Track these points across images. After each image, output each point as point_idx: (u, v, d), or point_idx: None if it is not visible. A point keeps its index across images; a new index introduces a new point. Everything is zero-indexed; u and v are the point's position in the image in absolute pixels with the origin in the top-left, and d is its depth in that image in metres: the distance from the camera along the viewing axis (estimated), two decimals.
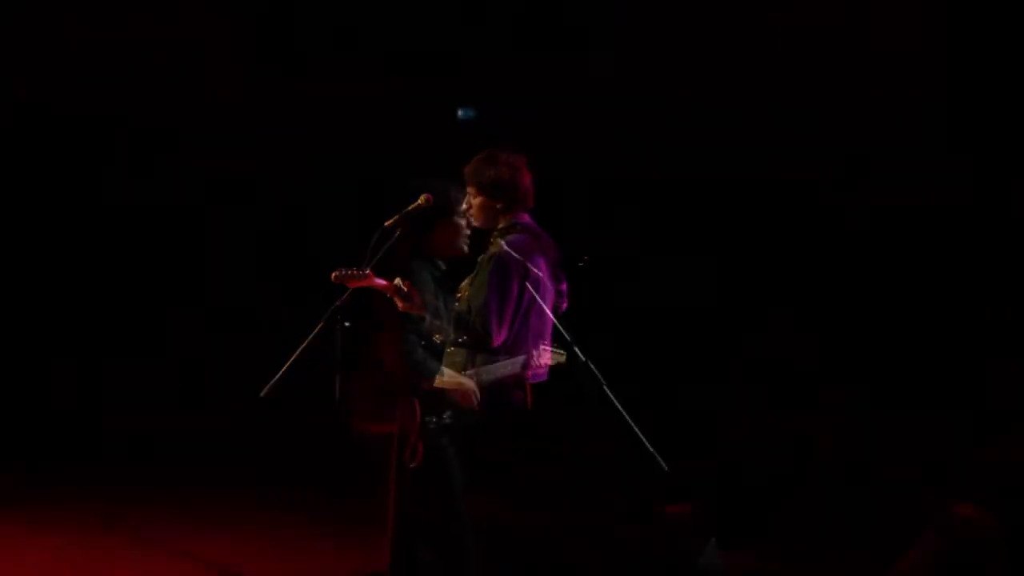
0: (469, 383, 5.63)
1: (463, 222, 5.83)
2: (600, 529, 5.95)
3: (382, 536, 5.79)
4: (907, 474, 8.97)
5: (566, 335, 5.49)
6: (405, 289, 5.52)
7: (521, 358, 5.77)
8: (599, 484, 9.03)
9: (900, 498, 8.68)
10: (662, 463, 5.43)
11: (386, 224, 5.61)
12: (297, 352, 5.39)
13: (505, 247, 5.64)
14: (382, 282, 5.52)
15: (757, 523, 8.59)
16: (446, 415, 5.63)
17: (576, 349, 5.46)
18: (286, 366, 5.36)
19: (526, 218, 5.86)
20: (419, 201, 5.67)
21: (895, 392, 10.07)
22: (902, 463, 9.06)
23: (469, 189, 5.84)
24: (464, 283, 5.81)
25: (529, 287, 5.56)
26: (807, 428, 9.11)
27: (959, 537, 7.02)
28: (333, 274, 5.46)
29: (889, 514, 8.56)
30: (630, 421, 5.41)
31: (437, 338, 5.60)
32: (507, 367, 5.74)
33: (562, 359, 5.90)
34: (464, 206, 5.84)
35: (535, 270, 5.62)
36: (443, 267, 5.88)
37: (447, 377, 5.58)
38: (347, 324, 5.53)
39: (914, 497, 8.49)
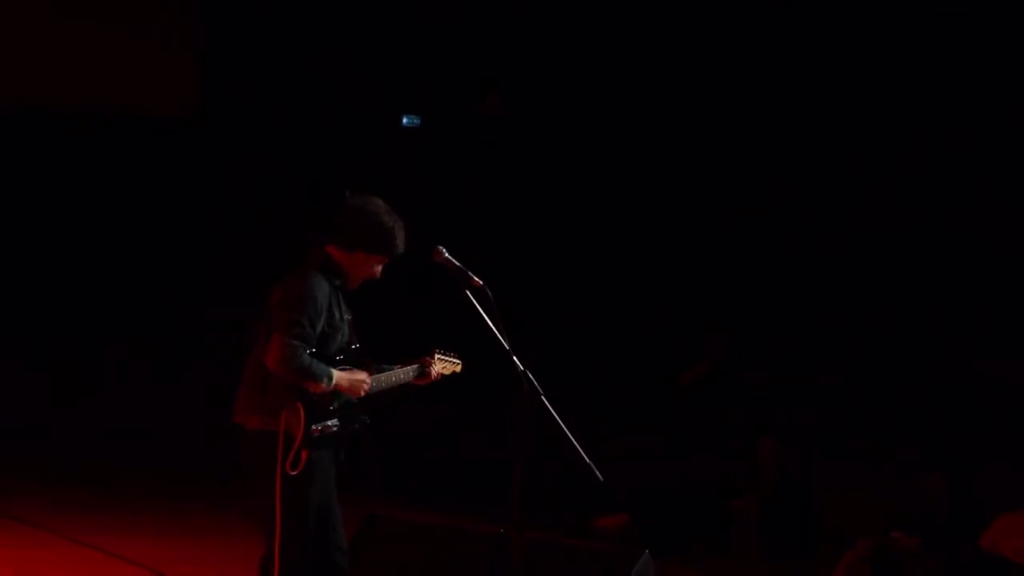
0: (362, 374, 5.58)
1: (380, 268, 5.68)
2: (535, 540, 5.92)
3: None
4: (844, 489, 9.04)
5: (506, 345, 5.43)
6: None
7: (413, 367, 5.85)
8: (535, 494, 9.03)
9: (834, 513, 8.75)
10: (598, 474, 5.42)
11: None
12: None
13: None
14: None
15: (691, 535, 8.64)
16: (332, 422, 5.50)
17: (515, 359, 5.42)
18: None
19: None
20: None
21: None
22: (839, 479, 9.13)
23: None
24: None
25: None
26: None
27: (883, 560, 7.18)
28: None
29: (824, 529, 8.63)
30: (567, 431, 5.38)
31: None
32: (399, 375, 5.80)
33: (457, 368, 6.02)
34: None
35: None
36: (344, 279, 5.66)
37: (336, 378, 5.47)
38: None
39: (846, 515, 8.57)
